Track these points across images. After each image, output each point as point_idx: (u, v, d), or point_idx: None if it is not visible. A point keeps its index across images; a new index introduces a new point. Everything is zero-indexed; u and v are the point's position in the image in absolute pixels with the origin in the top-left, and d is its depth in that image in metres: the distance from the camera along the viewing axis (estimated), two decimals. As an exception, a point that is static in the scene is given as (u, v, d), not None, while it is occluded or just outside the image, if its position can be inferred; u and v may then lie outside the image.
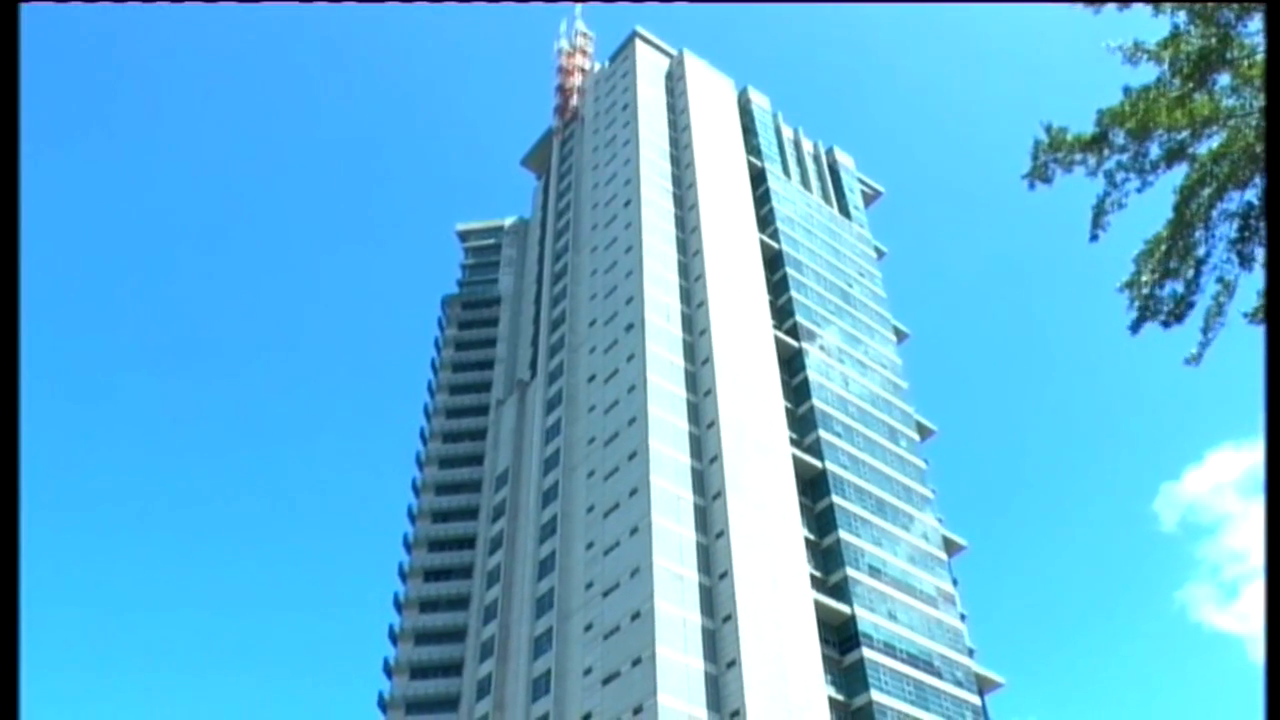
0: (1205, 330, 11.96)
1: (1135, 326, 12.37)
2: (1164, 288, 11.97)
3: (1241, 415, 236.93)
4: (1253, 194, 12.24)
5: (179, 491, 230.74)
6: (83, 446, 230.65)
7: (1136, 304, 12.10)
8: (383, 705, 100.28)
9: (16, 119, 16.17)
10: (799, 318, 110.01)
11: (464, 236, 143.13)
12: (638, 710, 74.77)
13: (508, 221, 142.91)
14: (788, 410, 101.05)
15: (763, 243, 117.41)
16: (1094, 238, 12.32)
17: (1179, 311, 12.02)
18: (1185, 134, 12.09)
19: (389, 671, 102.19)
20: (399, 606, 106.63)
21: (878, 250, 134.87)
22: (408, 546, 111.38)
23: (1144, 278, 12.05)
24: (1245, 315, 11.75)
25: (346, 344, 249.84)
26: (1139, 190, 12.26)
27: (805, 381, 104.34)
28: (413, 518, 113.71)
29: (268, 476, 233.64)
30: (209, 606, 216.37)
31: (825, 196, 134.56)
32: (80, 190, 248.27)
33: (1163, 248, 11.89)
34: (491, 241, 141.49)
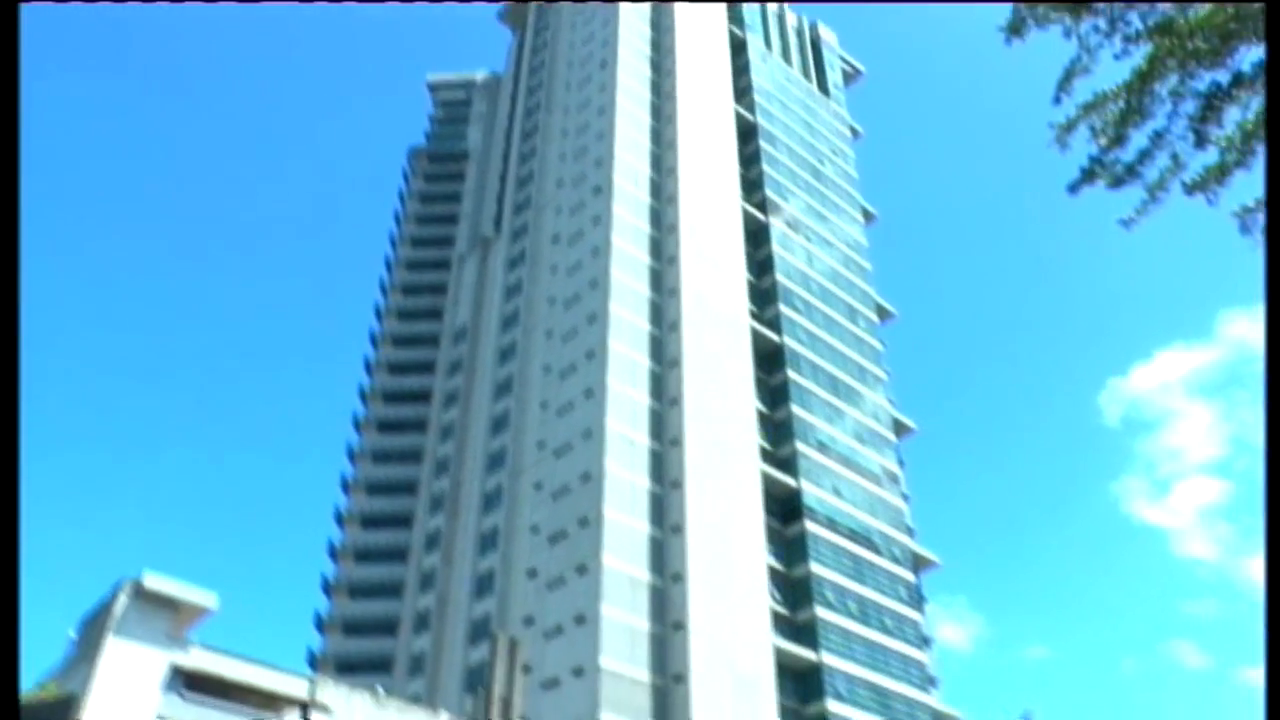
0: (1149, 200, 11.88)
1: (1075, 187, 12.34)
2: (1111, 153, 11.85)
3: (1193, 317, 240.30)
4: (1223, 75, 12.04)
5: (136, 324, 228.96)
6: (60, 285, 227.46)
7: (1085, 165, 12.01)
8: (333, 556, 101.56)
9: (16, 119, 15.64)
10: (768, 191, 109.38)
11: (434, 89, 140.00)
12: (582, 569, 76.16)
13: (480, 76, 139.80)
14: (750, 283, 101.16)
15: (738, 114, 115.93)
16: (1057, 100, 12.09)
17: (1122, 178, 11.94)
18: (1168, 5, 11.81)
19: (340, 522, 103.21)
20: (352, 457, 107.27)
21: (853, 130, 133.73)
22: (364, 398, 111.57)
23: (1101, 139, 11.92)
24: (1184, 185, 11.68)
25: (309, 190, 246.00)
26: (1116, 58, 12.01)
27: (770, 256, 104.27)
28: (369, 369, 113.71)
29: (222, 312, 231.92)
30: (163, 447, 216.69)
31: (805, 72, 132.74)
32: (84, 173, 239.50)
33: (1118, 110, 11.73)
34: (462, 96, 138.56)
